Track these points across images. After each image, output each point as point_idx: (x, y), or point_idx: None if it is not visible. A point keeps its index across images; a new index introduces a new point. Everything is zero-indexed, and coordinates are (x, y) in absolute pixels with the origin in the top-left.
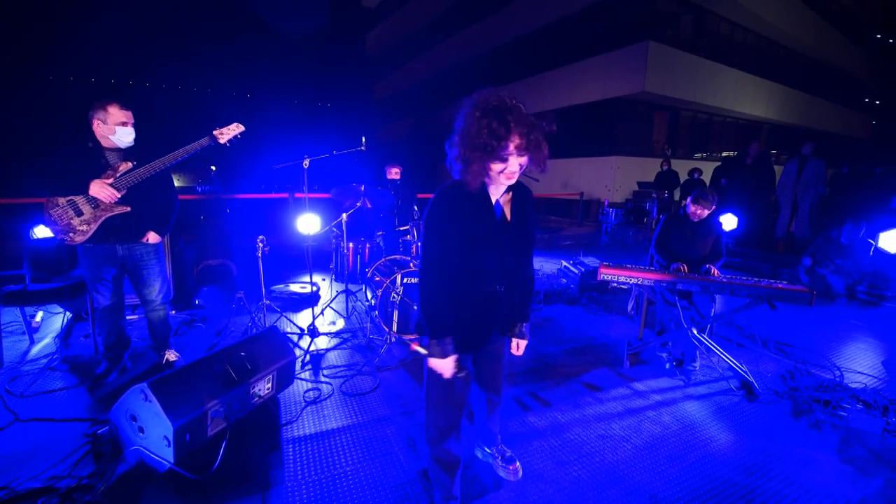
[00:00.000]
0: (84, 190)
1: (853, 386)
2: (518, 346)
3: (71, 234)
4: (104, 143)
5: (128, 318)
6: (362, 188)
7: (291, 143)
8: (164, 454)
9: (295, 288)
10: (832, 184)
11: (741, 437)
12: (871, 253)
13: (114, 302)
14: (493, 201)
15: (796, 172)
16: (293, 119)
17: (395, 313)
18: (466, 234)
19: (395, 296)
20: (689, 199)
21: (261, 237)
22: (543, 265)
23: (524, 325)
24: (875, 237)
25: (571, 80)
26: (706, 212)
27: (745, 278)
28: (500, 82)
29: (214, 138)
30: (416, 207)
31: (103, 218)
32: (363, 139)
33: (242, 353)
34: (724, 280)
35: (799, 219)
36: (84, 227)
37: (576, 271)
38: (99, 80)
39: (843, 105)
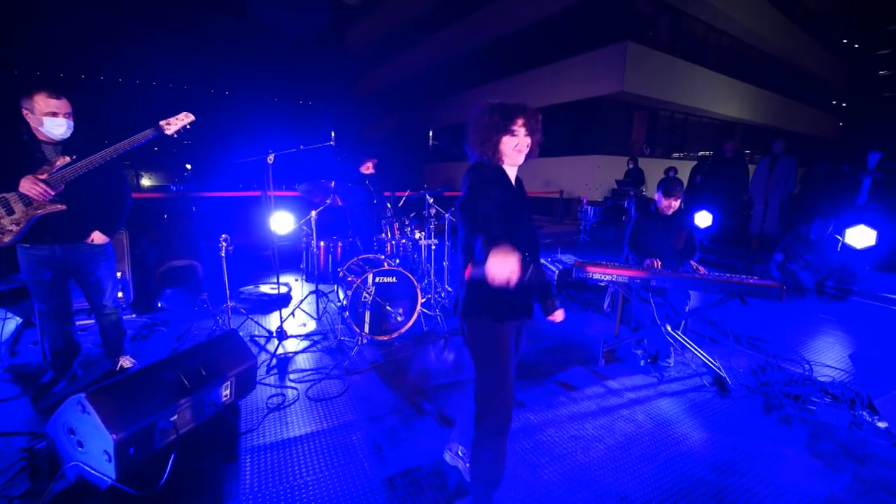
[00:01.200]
0: (15, 186)
1: (822, 380)
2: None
3: (0, 235)
4: (39, 136)
5: (82, 322)
6: (332, 184)
7: (270, 141)
8: (105, 470)
9: (265, 289)
10: (803, 181)
11: (713, 434)
12: (839, 249)
13: (55, 306)
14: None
15: (767, 170)
16: (273, 118)
17: (367, 314)
18: (501, 202)
19: (367, 296)
20: (658, 194)
21: (224, 236)
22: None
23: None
24: (842, 233)
25: (552, 79)
26: (676, 202)
27: (717, 274)
28: (482, 81)
29: (160, 129)
30: (388, 205)
31: (35, 217)
32: (332, 134)
33: (197, 359)
34: (697, 276)
35: (769, 216)
36: (13, 228)
37: (553, 269)
38: (48, 74)
39: (813, 106)
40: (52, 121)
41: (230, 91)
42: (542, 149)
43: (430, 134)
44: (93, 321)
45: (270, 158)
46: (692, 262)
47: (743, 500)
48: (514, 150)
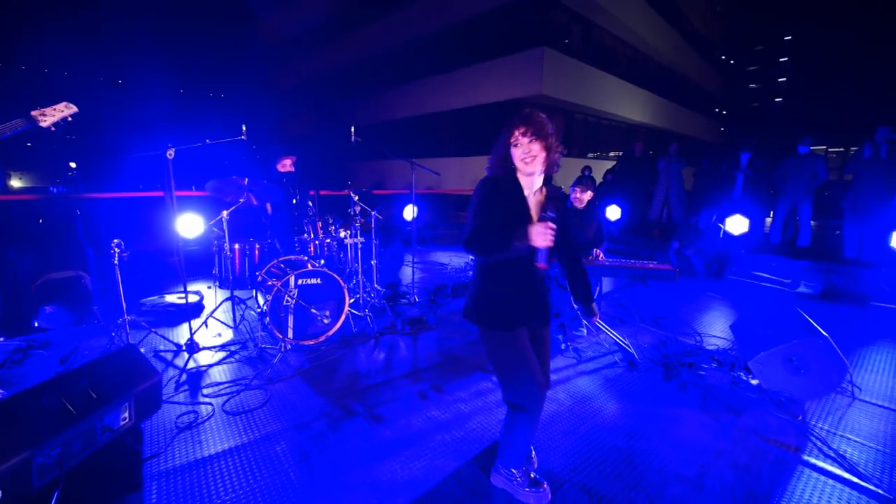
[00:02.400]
0: None
1: (710, 348)
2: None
3: None
4: None
5: None
6: (245, 181)
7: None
8: None
9: (172, 299)
10: (695, 178)
11: (624, 404)
12: (721, 236)
13: None
14: (525, 193)
15: (665, 168)
16: (176, 111)
17: (291, 318)
18: (498, 213)
19: (289, 299)
20: (571, 190)
21: (116, 241)
22: (452, 259)
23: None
24: (723, 222)
25: (476, 80)
26: (587, 195)
27: (624, 261)
28: (407, 79)
29: (33, 120)
30: (310, 203)
31: None
32: (244, 128)
33: (84, 380)
34: (607, 263)
35: (668, 208)
36: None
37: None
38: None
39: (700, 113)
40: None
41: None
42: (468, 148)
43: (352, 129)
44: None
45: (170, 153)
46: (599, 252)
47: (649, 459)
48: (521, 161)
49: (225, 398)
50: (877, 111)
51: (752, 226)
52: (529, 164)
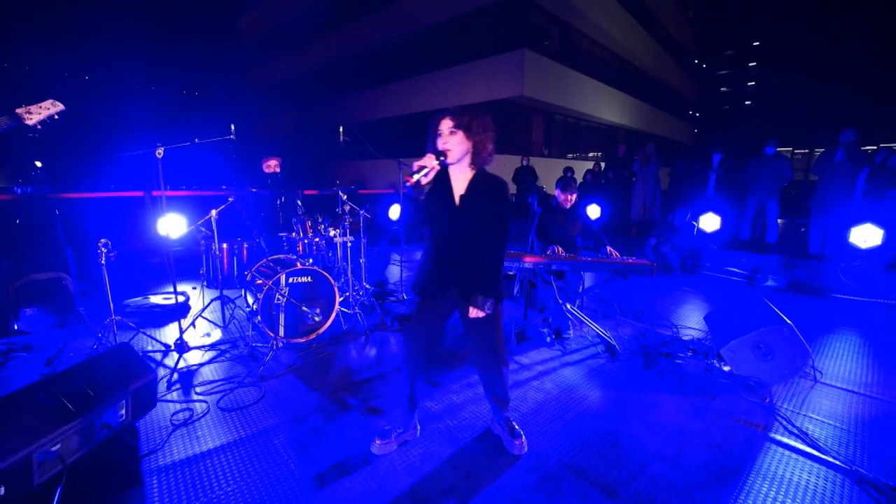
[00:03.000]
0: None
1: (685, 339)
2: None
3: None
4: None
5: None
6: (224, 187)
7: (148, 135)
8: None
9: (157, 299)
10: (670, 178)
11: (607, 391)
12: (695, 233)
13: None
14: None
15: (641, 168)
16: (153, 108)
17: (282, 316)
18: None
19: (280, 297)
20: (557, 191)
21: (103, 240)
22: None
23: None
24: (697, 220)
25: (459, 80)
26: (572, 196)
27: (604, 257)
28: (391, 79)
29: (19, 118)
30: (299, 203)
31: None
32: (232, 127)
33: (81, 378)
34: (589, 259)
35: (647, 207)
36: None
37: None
38: None
39: (674, 115)
40: None
41: (91, 77)
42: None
43: (341, 130)
44: None
45: (160, 152)
46: (608, 248)
47: (631, 440)
48: (451, 154)
49: (219, 395)
50: (840, 114)
51: (723, 223)
52: (447, 153)
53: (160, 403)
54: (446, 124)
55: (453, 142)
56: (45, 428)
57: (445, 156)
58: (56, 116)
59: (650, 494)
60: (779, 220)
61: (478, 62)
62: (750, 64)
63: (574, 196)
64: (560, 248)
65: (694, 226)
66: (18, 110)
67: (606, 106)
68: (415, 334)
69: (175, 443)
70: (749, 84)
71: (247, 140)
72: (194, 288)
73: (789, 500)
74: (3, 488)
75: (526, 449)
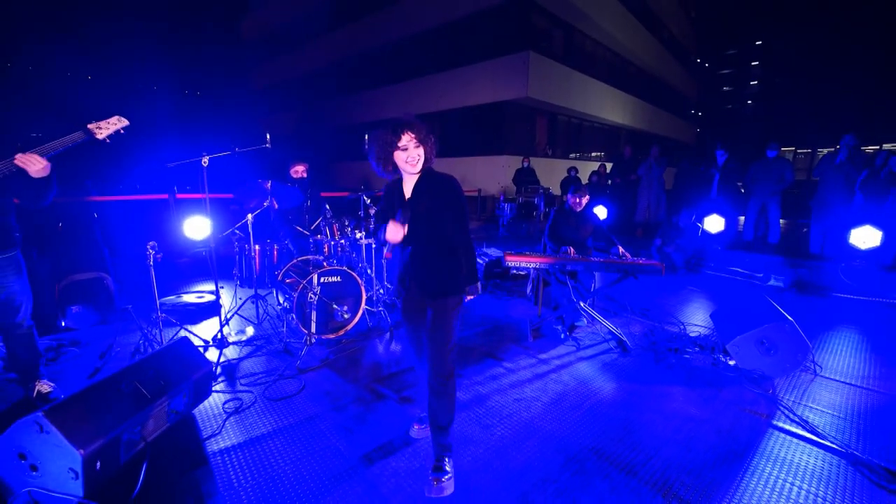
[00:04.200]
0: None
1: (692, 335)
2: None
3: None
4: None
5: None
6: (269, 185)
7: (155, 135)
8: (71, 489)
9: (189, 298)
10: (675, 178)
11: (620, 383)
12: (699, 234)
13: None
14: (405, 190)
15: (646, 171)
16: (157, 108)
17: (314, 314)
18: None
19: (313, 296)
20: (569, 194)
21: (152, 243)
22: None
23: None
24: (701, 221)
25: (463, 82)
26: (584, 199)
27: (615, 258)
28: (395, 80)
29: (90, 133)
30: (327, 206)
31: None
32: (268, 136)
33: (151, 369)
34: (601, 260)
35: (653, 209)
36: None
37: (480, 261)
38: None
39: (677, 115)
40: None
41: (93, 75)
42: (457, 149)
43: (367, 138)
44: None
45: (205, 161)
46: (619, 248)
47: (645, 427)
48: (406, 163)
49: (263, 387)
50: (844, 114)
51: (726, 224)
52: (414, 165)
53: (211, 394)
54: (410, 138)
55: (417, 154)
56: (128, 411)
57: (406, 220)
58: (122, 131)
59: (665, 473)
60: (781, 221)
61: (482, 64)
62: (752, 63)
63: (585, 199)
64: (572, 249)
65: (698, 227)
66: (90, 125)
67: (609, 106)
68: (405, 333)
69: (230, 428)
70: (751, 83)
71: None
72: (222, 287)
73: (790, 478)
74: (99, 462)
75: (445, 494)
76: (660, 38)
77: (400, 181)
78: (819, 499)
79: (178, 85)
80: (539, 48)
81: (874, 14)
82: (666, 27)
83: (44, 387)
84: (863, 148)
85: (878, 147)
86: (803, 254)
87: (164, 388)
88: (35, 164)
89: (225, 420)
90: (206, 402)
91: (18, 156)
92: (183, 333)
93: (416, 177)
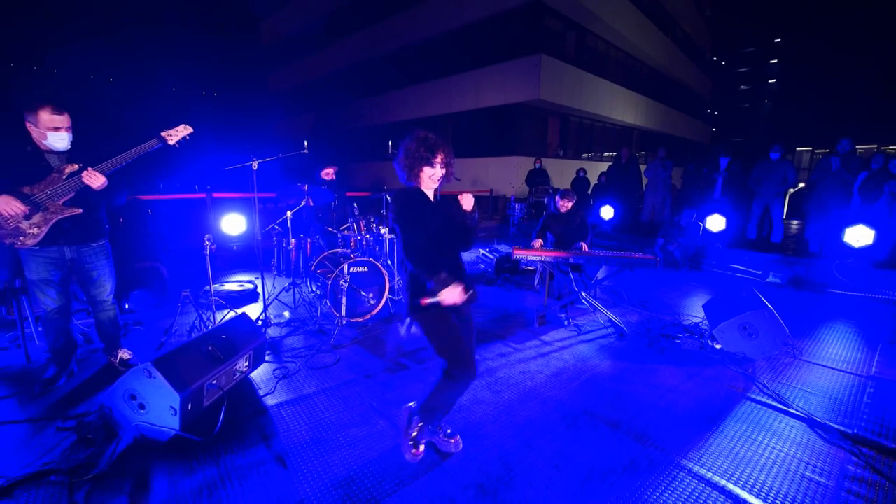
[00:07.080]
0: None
1: (685, 323)
2: None
3: (21, 238)
4: (42, 147)
5: (80, 322)
6: (306, 187)
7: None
8: (170, 423)
9: (230, 287)
10: (683, 179)
11: (615, 361)
12: (701, 232)
13: (61, 304)
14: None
15: (653, 172)
16: (169, 107)
17: (344, 299)
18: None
19: (344, 284)
20: (556, 198)
21: (208, 235)
22: (463, 253)
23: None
24: (704, 220)
25: (477, 84)
26: (569, 203)
27: (614, 252)
28: (408, 83)
29: (163, 140)
30: (355, 204)
31: (54, 220)
32: (305, 143)
33: (222, 337)
34: (602, 254)
35: (659, 208)
36: (34, 231)
37: (491, 257)
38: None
39: (691, 115)
40: (55, 135)
41: (115, 77)
42: (470, 150)
43: (390, 144)
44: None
45: (255, 165)
46: (583, 244)
47: (633, 395)
48: (430, 179)
49: (305, 358)
50: (863, 110)
51: (730, 224)
52: (437, 182)
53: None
54: (441, 158)
55: (441, 173)
56: (209, 367)
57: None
58: (187, 137)
59: (646, 428)
60: (784, 221)
61: (495, 67)
62: (771, 61)
63: (570, 203)
64: (585, 245)
65: (700, 226)
66: (163, 133)
67: (621, 107)
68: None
69: (281, 389)
70: (770, 82)
71: (272, 143)
72: (257, 277)
73: (753, 434)
74: (190, 404)
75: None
76: (673, 37)
77: (421, 191)
78: (776, 451)
79: (196, 87)
80: (551, 51)
81: None
82: (680, 27)
83: (125, 354)
84: (866, 148)
85: (876, 147)
86: (803, 252)
87: (232, 352)
88: (96, 181)
89: (276, 383)
90: (258, 370)
91: (84, 173)
92: (232, 315)
93: (431, 191)
